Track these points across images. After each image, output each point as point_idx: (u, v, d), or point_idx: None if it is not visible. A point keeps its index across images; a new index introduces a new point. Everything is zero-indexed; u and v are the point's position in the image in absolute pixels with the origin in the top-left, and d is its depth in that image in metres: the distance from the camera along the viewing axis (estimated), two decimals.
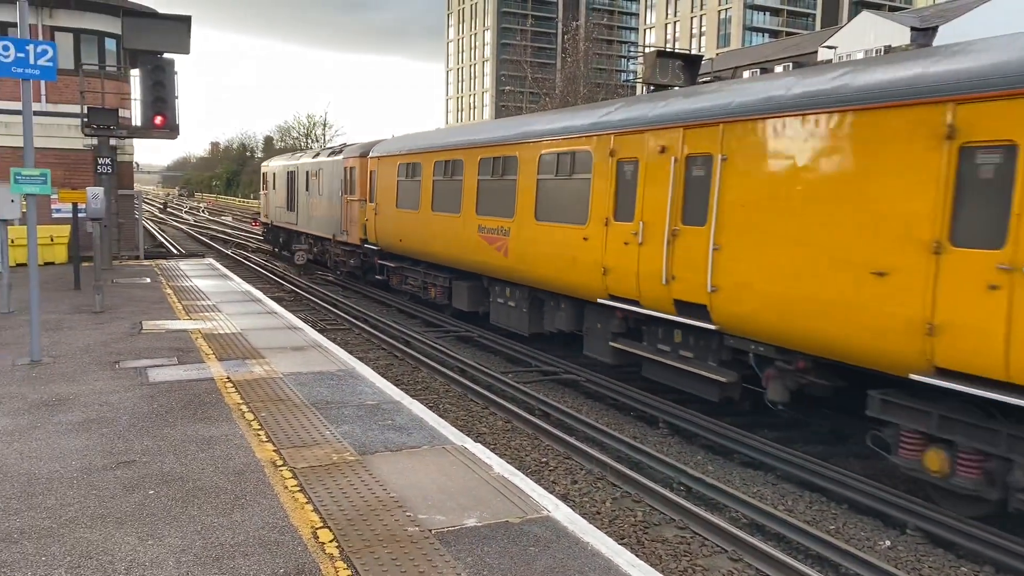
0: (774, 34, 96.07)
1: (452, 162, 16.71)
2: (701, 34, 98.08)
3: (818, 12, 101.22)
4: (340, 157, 24.44)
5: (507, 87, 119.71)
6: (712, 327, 9.71)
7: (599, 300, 11.79)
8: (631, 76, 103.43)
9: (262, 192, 37.04)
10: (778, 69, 57.24)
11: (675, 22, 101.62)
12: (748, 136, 9.22)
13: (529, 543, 5.29)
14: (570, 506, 6.58)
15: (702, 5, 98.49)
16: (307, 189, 27.88)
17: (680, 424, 10.56)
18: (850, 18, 76.35)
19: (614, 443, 9.75)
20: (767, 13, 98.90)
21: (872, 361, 7.85)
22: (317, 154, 28.21)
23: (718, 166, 9.58)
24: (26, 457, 6.72)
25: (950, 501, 7.57)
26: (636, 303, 11.08)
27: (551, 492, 7.30)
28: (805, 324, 8.44)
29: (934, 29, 50.94)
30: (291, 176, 30.35)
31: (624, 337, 11.82)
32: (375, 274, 22.19)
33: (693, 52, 16.42)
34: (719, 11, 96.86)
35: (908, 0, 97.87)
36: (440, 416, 8.89)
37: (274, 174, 33.44)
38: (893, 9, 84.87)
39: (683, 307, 10.15)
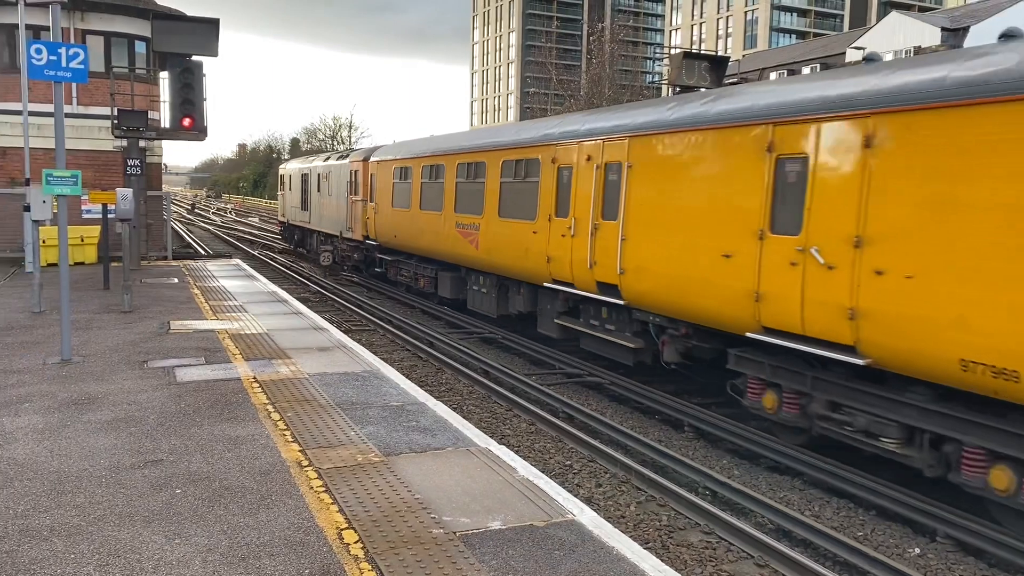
0: (801, 35, 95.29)
1: (436, 166, 18.87)
2: (727, 35, 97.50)
3: (846, 13, 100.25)
4: (346, 161, 26.59)
5: (532, 89, 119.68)
6: (622, 303, 11.88)
7: (545, 284, 13.96)
8: (656, 77, 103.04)
9: (279, 193, 39.23)
10: (806, 71, 56.80)
11: (701, 23, 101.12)
12: (645, 149, 11.40)
13: (554, 547, 5.27)
14: (594, 509, 6.55)
15: (728, 6, 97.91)
16: (318, 190, 29.80)
17: (705, 428, 10.49)
18: (879, 19, 75.57)
19: (639, 446, 9.70)
20: (794, 14, 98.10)
21: (725, 324, 9.96)
22: (328, 158, 30.25)
23: (626, 172, 11.74)
24: (56, 455, 6.80)
25: (784, 433, 9.60)
26: (571, 285, 13.18)
27: (575, 495, 7.27)
28: (683, 298, 10.60)
29: (965, 29, 50.27)
30: (304, 178, 32.27)
31: (566, 315, 13.94)
32: (375, 267, 24.28)
33: (719, 54, 16.32)
34: (746, 12, 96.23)
35: (938, 0, 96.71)
36: (464, 418, 8.88)
37: (290, 176, 35.68)
38: (923, 9, 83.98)
39: (603, 287, 12.34)
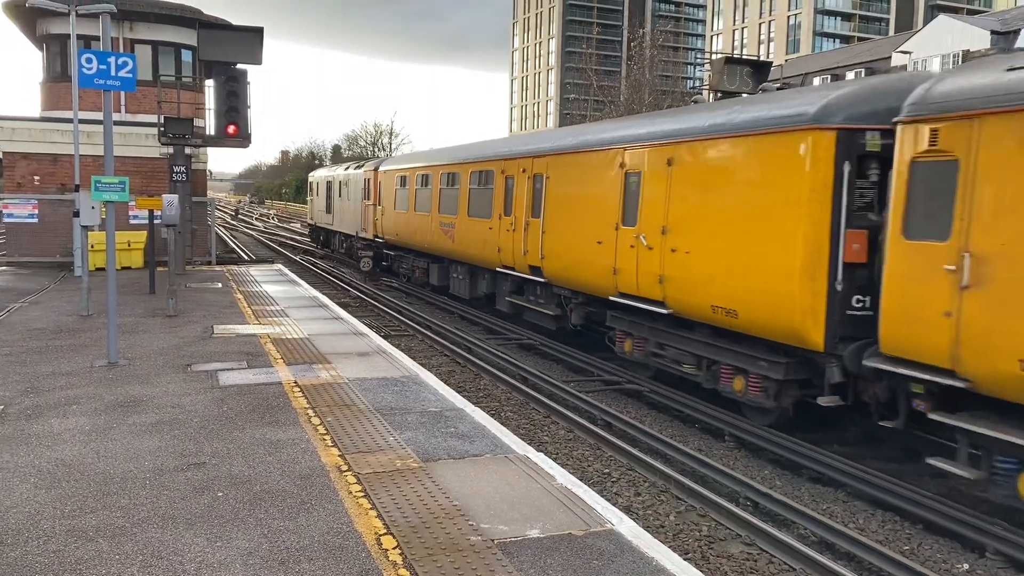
0: (845, 40, 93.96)
1: (426, 175, 22.76)
2: (770, 40, 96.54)
3: (891, 16, 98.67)
4: (361, 171, 30.44)
5: (572, 95, 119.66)
6: (544, 280, 15.56)
7: (498, 269, 17.59)
8: (698, 83, 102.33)
9: (308, 198, 43.61)
10: (850, 75, 55.99)
11: (743, 28, 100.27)
12: (556, 165, 15.14)
13: (593, 556, 5.22)
14: (633, 519, 6.49)
15: (771, 11, 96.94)
16: (339, 196, 33.79)
17: (747, 438, 10.35)
18: (926, 22, 74.25)
19: (678, 455, 9.60)
20: (838, 18, 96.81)
21: (600, 292, 13.41)
22: (347, 167, 33.94)
23: (544, 182, 15.41)
24: (102, 456, 6.93)
25: (637, 369, 13.32)
26: (514, 270, 16.79)
27: (614, 504, 7.22)
28: (577, 274, 14.27)
29: (1016, 32, 49.13)
30: (329, 185, 36.20)
31: (514, 294, 17.47)
32: (383, 262, 28.16)
33: (761, 59, 16.18)
34: (788, 17, 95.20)
35: (987, 3, 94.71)
36: (502, 424, 8.87)
37: (317, 183, 39.75)
38: (972, 12, 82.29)
39: (533, 270, 15.91)
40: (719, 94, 13.67)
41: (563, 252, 14.69)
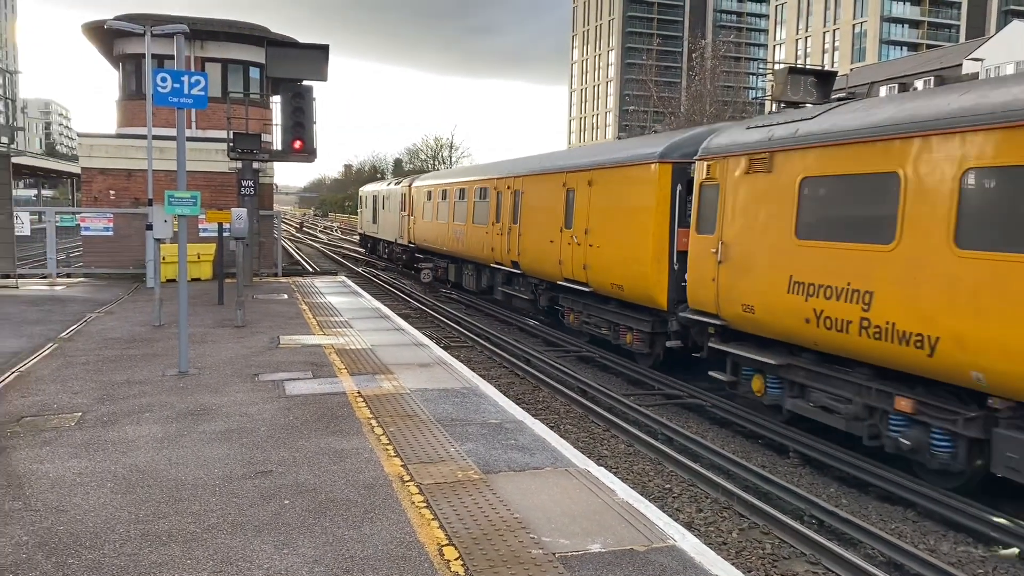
0: (913, 47, 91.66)
1: (445, 190, 27.51)
2: (834, 49, 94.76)
3: (962, 23, 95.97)
4: (399, 186, 35.50)
5: (631, 106, 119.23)
6: (520, 272, 20.21)
7: (492, 265, 22.21)
8: (760, 93, 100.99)
9: (359, 210, 50.02)
10: (918, 84, 54.56)
11: (807, 37, 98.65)
12: (527, 184, 19.74)
13: (655, 572, 5.19)
14: (695, 535, 6.42)
15: (835, 19, 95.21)
16: (383, 207, 39.12)
17: (812, 454, 10.14)
18: (998, 28, 72.01)
19: (741, 471, 9.46)
20: (906, 26, 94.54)
21: (553, 279, 17.95)
22: (389, 183, 39.59)
23: (520, 197, 20.03)
24: (174, 464, 7.14)
25: (572, 334, 17.92)
26: (502, 265, 21.25)
27: (676, 520, 7.15)
28: (539, 266, 18.76)
29: None
30: (375, 198, 41.88)
31: (504, 285, 21.99)
32: (415, 263, 32.41)
33: (826, 68, 15.90)
34: (854, 25, 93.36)
35: None
36: (562, 437, 8.87)
37: (365, 197, 46.09)
38: None
39: (514, 264, 20.40)
40: (782, 105, 13.50)
41: (531, 249, 19.29)
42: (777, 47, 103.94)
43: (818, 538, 7.43)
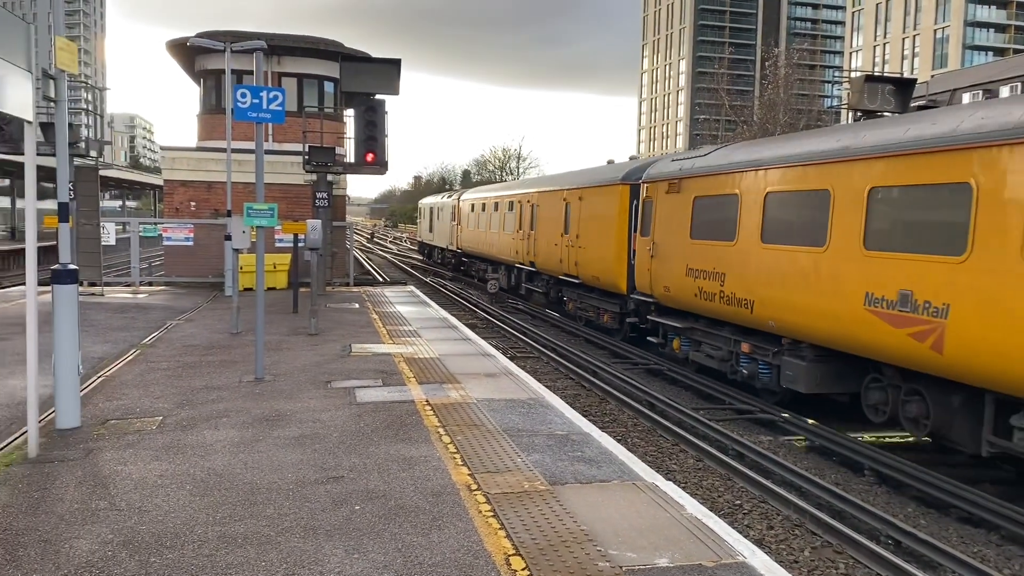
0: (999, 52, 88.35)
1: (484, 203, 33.01)
2: (914, 56, 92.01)
3: None
4: (450, 199, 41.13)
5: (702, 116, 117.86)
6: (536, 270, 25.30)
7: (517, 265, 27.47)
8: (835, 102, 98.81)
9: (417, 220, 59.82)
10: (1004, 91, 52.57)
11: (884, 44, 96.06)
12: (541, 198, 24.72)
13: None
14: (766, 552, 6.30)
15: (915, 25, 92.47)
16: (437, 218, 45.03)
17: (888, 472, 9.86)
18: None
19: (814, 489, 9.25)
20: (991, 30, 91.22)
21: (557, 274, 23.11)
22: (442, 196, 46.29)
23: (535, 209, 25.12)
24: (249, 468, 7.35)
25: (576, 322, 22.13)
26: (524, 265, 26.50)
27: (745, 536, 7.03)
28: (548, 265, 23.72)
29: None
30: (431, 210, 48.08)
31: (527, 282, 27.19)
32: (461, 267, 38.90)
33: (905, 75, 15.49)
34: (935, 30, 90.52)
35: None
36: (629, 450, 8.82)
37: (423, 208, 53.17)
38: None
39: (532, 264, 25.46)
40: (859, 114, 13.21)
41: (543, 252, 24.29)
42: (854, 54, 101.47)
43: (895, 559, 7.21)
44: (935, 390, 9.85)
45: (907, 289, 9.64)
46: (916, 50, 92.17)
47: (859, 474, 10.17)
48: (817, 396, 12.25)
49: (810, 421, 11.91)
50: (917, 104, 14.65)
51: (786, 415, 12.31)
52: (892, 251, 9.98)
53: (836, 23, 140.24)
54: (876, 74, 14.28)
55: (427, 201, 51.74)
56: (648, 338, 17.37)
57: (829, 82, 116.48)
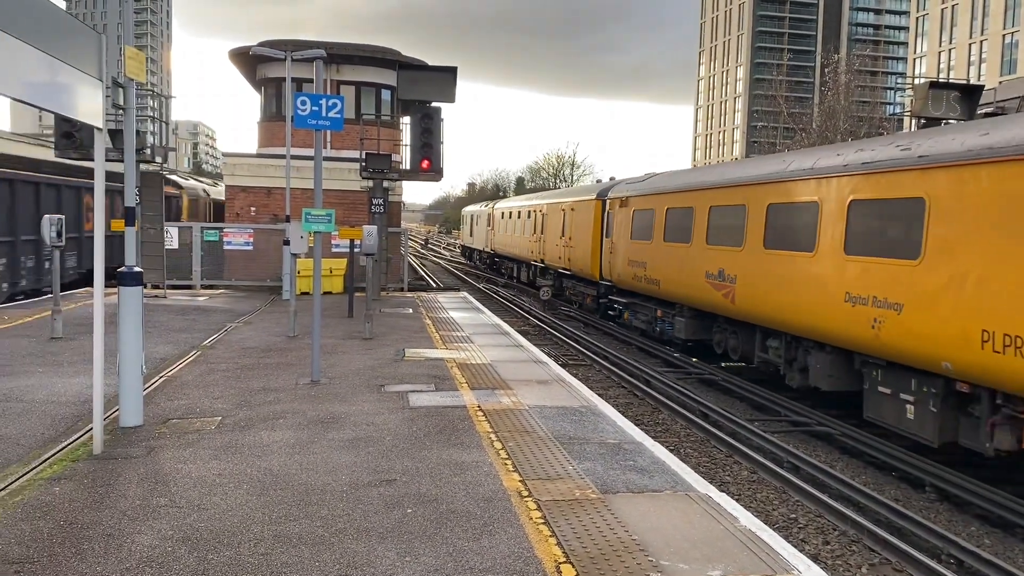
0: None
1: (510, 211, 40.04)
2: (981, 61, 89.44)
3: None
4: (487, 207, 48.95)
5: (760, 123, 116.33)
6: (545, 266, 31.79)
7: (532, 263, 34.63)
8: (899, 109, 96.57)
9: (462, 226, 66.72)
10: None
11: (950, 50, 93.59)
12: (548, 208, 31.77)
13: None
14: (821, 567, 6.18)
15: (983, 30, 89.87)
16: (476, 224, 52.99)
17: (950, 489, 9.58)
18: None
19: (872, 504, 9.04)
20: None
21: (558, 268, 29.65)
22: (481, 205, 54.06)
23: (545, 217, 31.87)
24: (305, 469, 7.47)
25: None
26: (536, 262, 33.42)
27: (800, 551, 6.90)
28: (552, 261, 30.60)
29: None
30: (472, 216, 56.44)
31: (540, 276, 32.33)
32: (494, 266, 46.60)
33: (970, 82, 15.09)
34: (1004, 35, 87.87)
35: None
36: (682, 460, 8.73)
37: (465, 215, 62.21)
38: None
39: (541, 261, 32.32)
40: (923, 121, 12.90)
41: (549, 251, 30.90)
42: (918, 60, 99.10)
43: None
44: (739, 328, 15.53)
45: (721, 268, 15.49)
46: (983, 56, 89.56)
47: (920, 490, 9.91)
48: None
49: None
50: (984, 111, 14.28)
51: (695, 360, 17.85)
52: (714, 246, 15.99)
53: (899, 28, 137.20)
54: (941, 81, 13.94)
55: (469, 209, 61.04)
56: (609, 312, 23.51)
57: (892, 89, 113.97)
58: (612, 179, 29.41)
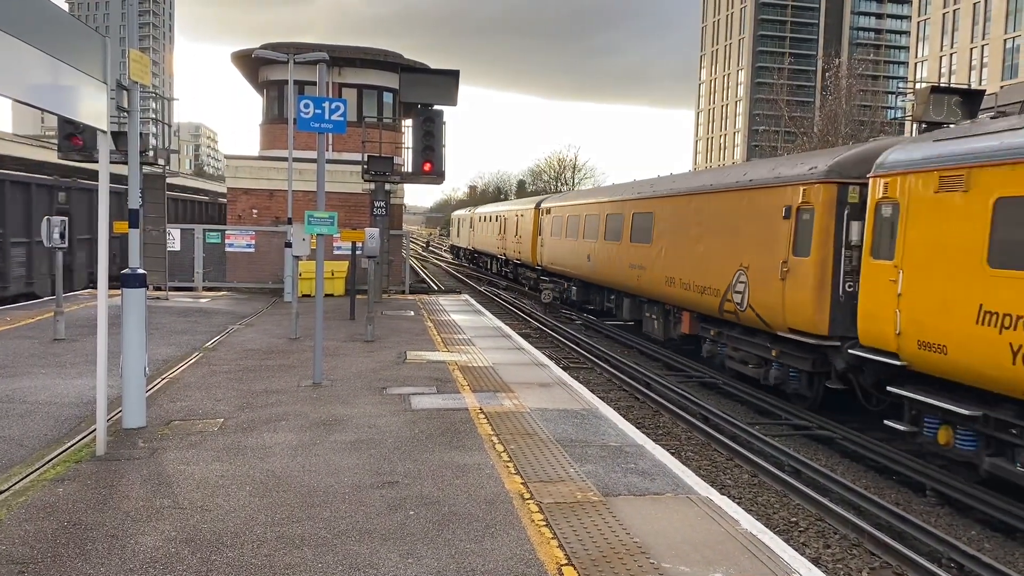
0: None
1: (484, 216, 48.70)
2: (982, 66, 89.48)
3: None
4: (468, 212, 59.15)
5: (761, 127, 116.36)
6: (506, 258, 40.84)
7: (497, 256, 43.76)
8: (900, 113, 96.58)
9: (450, 228, 77.79)
10: None
11: (951, 54, 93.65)
12: (508, 215, 40.16)
13: None
14: (822, 571, 6.20)
15: (984, 34, 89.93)
16: (460, 225, 63.13)
17: (951, 494, 9.60)
18: None
19: (873, 508, 9.05)
20: None
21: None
22: (466, 211, 62.95)
23: (504, 220, 40.83)
24: (307, 471, 7.49)
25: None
26: (500, 256, 42.51)
27: (801, 554, 6.92)
28: (509, 254, 39.83)
29: None
30: (458, 219, 66.45)
31: (504, 266, 42.55)
32: (475, 259, 54.15)
33: (972, 86, 15.11)
34: (1004, 40, 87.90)
35: None
36: (683, 463, 8.75)
37: (452, 219, 75.61)
38: None
39: (504, 255, 41.09)
40: (924, 125, 12.93)
41: (509, 247, 37.66)
42: (919, 64, 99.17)
43: None
44: (597, 290, 24.57)
45: (589, 253, 24.85)
46: (985, 60, 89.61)
47: (921, 494, 9.93)
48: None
49: None
50: (986, 116, 14.30)
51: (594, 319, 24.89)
52: (587, 240, 24.54)
53: (901, 32, 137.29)
54: (942, 85, 13.97)
55: (456, 214, 73.63)
56: (541, 287, 29.24)
57: (893, 93, 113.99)
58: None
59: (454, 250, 70.00)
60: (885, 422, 10.68)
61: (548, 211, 31.25)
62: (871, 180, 11.34)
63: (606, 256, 23.01)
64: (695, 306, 16.96)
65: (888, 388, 10.51)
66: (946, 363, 9.37)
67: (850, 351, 11.45)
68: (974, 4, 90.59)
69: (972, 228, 9.13)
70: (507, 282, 40.52)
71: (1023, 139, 8.75)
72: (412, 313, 20.83)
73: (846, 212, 12.13)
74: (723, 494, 7.69)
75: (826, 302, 12.13)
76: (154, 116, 22.93)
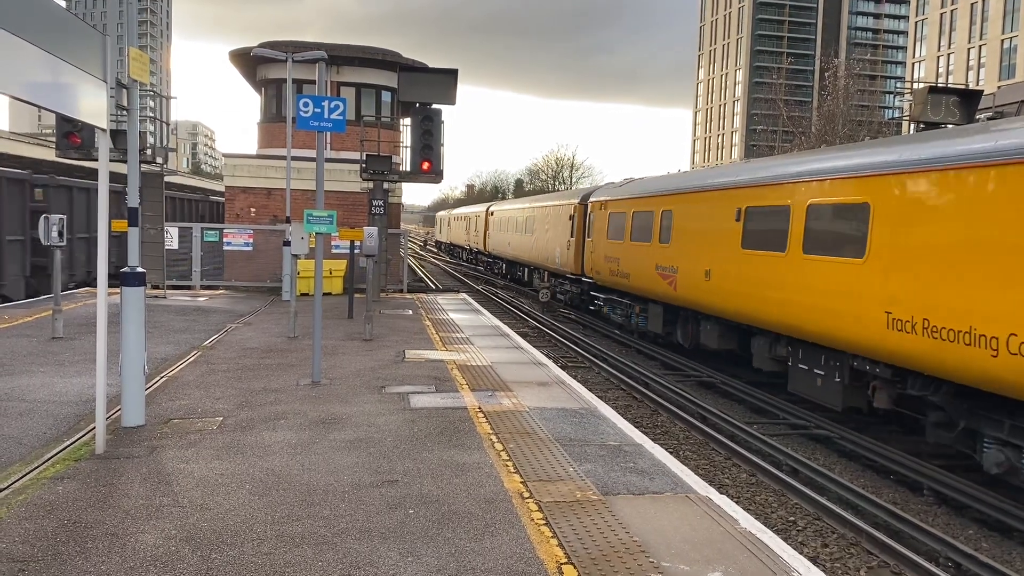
0: None
1: (459, 216, 63.31)
2: (979, 66, 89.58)
3: None
4: (455, 211, 71.47)
5: (759, 126, 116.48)
6: (476, 251, 51.26)
7: (468, 248, 56.84)
8: (897, 113, 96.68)
9: (437, 226, 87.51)
10: None
11: (949, 54, 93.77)
12: (474, 216, 54.46)
13: None
14: (820, 569, 6.22)
15: (982, 35, 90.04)
16: (444, 224, 75.41)
17: (948, 493, 9.63)
18: None
19: (870, 507, 9.08)
20: None
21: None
22: (448, 211, 77.68)
23: (471, 220, 54.94)
24: (306, 469, 7.50)
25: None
26: (470, 248, 55.94)
27: (799, 553, 6.93)
28: (476, 246, 51.82)
29: None
30: (440, 219, 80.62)
31: (479, 257, 51.68)
32: (452, 251, 69.20)
33: (969, 86, 15.14)
34: (1002, 40, 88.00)
35: None
36: (682, 463, 8.77)
37: (436, 218, 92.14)
38: None
39: (475, 248, 52.33)
40: (922, 125, 12.96)
41: (472, 240, 52.96)
42: (916, 65, 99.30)
43: None
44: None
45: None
46: (982, 61, 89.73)
47: (918, 494, 9.95)
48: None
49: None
50: (984, 116, 14.34)
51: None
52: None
53: (898, 33, 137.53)
54: (940, 86, 14.00)
55: (439, 214, 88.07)
56: (460, 258, 47.28)
57: (890, 93, 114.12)
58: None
59: (438, 244, 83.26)
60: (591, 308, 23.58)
61: (492, 214, 44.93)
62: (589, 203, 24.85)
63: (519, 240, 35.55)
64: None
65: (592, 293, 24.57)
66: (600, 279, 23.15)
67: (582, 279, 25.21)
68: (972, 4, 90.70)
69: (602, 224, 22.96)
70: (484, 268, 50.24)
71: (604, 196, 23.63)
72: (410, 312, 20.84)
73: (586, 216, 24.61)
74: (722, 493, 7.70)
75: (578, 257, 25.61)
76: (152, 114, 22.90)
